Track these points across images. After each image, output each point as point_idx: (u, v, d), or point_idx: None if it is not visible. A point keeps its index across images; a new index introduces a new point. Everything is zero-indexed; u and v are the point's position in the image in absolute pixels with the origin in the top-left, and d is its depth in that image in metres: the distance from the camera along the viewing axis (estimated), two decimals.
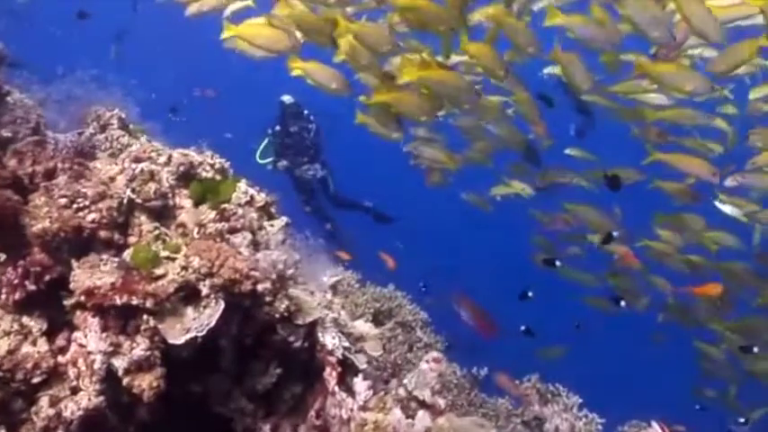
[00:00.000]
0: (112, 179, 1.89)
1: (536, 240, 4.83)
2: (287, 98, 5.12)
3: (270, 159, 5.31)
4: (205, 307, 1.53)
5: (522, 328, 4.05)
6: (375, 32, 3.22)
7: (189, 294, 1.55)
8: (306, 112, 5.24)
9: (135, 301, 1.45)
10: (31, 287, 1.58)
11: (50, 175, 2.02)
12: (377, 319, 2.89)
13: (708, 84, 3.00)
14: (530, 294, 2.96)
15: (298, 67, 3.39)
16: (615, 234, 4.09)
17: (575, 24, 3.08)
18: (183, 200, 1.92)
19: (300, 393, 1.94)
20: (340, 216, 6.09)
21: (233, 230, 1.75)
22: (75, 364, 1.49)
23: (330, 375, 1.78)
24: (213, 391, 1.78)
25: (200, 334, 1.49)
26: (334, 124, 5.19)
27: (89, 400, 1.42)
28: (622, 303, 4.19)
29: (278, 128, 5.25)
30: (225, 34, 3.41)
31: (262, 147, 5.31)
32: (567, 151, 4.29)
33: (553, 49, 3.36)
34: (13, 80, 2.59)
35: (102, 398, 1.43)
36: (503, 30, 3.23)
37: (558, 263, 4.26)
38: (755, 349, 3.99)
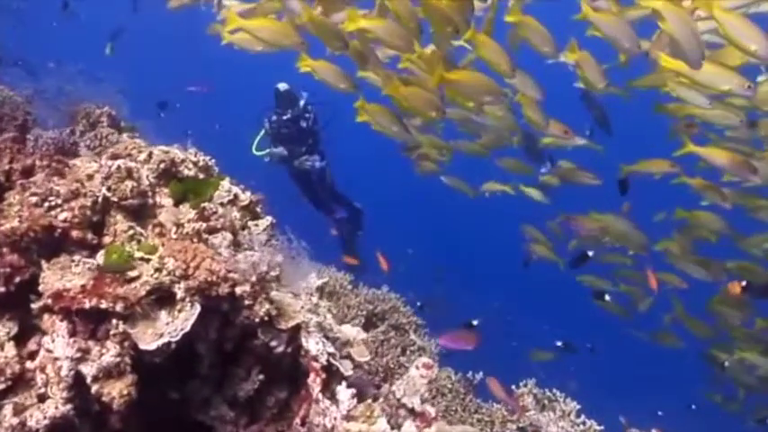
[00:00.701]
0: (90, 177, 1.83)
1: (528, 231, 4.75)
2: (282, 85, 4.94)
3: (266, 151, 5.12)
4: (180, 311, 1.46)
5: (559, 343, 3.92)
6: (388, 28, 3.19)
7: (163, 297, 1.48)
8: (303, 101, 5.04)
9: (104, 305, 1.38)
10: (1, 289, 1.51)
11: (28, 172, 1.96)
12: (370, 322, 2.81)
13: (744, 82, 2.86)
14: (474, 323, 2.86)
15: (307, 65, 3.39)
16: (590, 254, 3.99)
17: (604, 23, 3.00)
18: (164, 199, 1.85)
19: (285, 400, 1.87)
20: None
21: (212, 230, 1.68)
22: (43, 370, 1.42)
23: (314, 382, 1.71)
24: (192, 398, 1.71)
25: (173, 339, 1.42)
26: (334, 114, 5.01)
27: (56, 408, 1.35)
28: (606, 297, 4.10)
29: (274, 117, 5.06)
30: (228, 26, 3.36)
31: (258, 138, 5.12)
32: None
33: (569, 46, 3.30)
34: (3, 77, 2.53)
35: (69, 406, 1.36)
36: (518, 29, 3.16)
37: (534, 253, 4.17)
38: (726, 363, 3.91)
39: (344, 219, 5.70)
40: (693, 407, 4.66)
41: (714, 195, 3.78)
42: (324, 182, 5.45)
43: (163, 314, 1.45)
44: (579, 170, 4.34)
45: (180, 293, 1.47)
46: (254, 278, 1.57)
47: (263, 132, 5.08)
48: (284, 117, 4.95)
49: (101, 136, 2.32)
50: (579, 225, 4.20)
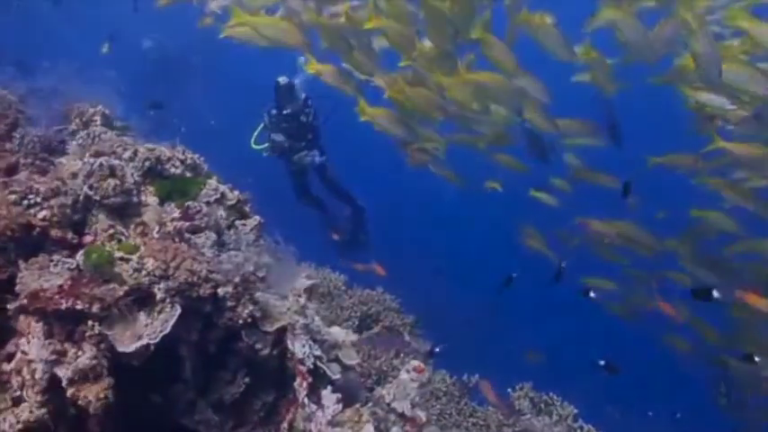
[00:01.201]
0: (74, 175, 1.79)
1: (524, 230, 4.70)
2: (282, 79, 4.84)
3: (265, 145, 5.02)
4: (159, 312, 1.42)
5: (601, 362, 3.84)
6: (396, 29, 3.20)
7: (142, 298, 1.44)
8: (303, 95, 4.93)
9: (80, 306, 1.34)
10: None
11: (12, 170, 1.93)
12: (364, 323, 2.77)
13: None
14: (437, 350, 2.82)
15: (314, 68, 3.42)
16: (563, 265, 3.95)
17: (625, 25, 2.97)
18: (149, 197, 1.82)
19: (272, 403, 1.82)
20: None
21: (196, 230, 1.64)
22: (19, 372, 1.38)
23: (300, 386, 1.66)
24: (175, 401, 1.67)
25: (152, 341, 1.38)
26: (334, 108, 4.92)
27: (30, 412, 1.31)
28: (592, 294, 4.04)
29: (274, 111, 4.95)
30: (232, 22, 3.35)
31: (256, 132, 5.01)
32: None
33: (583, 47, 3.26)
34: None
35: (44, 410, 1.32)
36: (530, 32, 3.13)
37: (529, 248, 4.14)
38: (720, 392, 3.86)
39: (348, 217, 5.61)
40: (678, 415, 4.55)
41: (737, 197, 3.67)
42: (324, 177, 5.34)
43: (142, 316, 1.41)
44: (596, 172, 4.29)
45: (160, 294, 1.43)
46: (237, 279, 1.53)
47: (261, 126, 4.98)
48: (284, 112, 4.85)
49: (93, 135, 2.29)
50: (593, 228, 4.15)
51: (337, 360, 1.82)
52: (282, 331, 1.67)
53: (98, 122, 2.42)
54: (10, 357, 1.48)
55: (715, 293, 3.27)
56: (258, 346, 1.63)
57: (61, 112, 2.48)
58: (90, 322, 1.35)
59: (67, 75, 2.98)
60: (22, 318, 1.40)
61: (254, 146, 4.98)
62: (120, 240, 1.54)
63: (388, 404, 1.81)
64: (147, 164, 1.83)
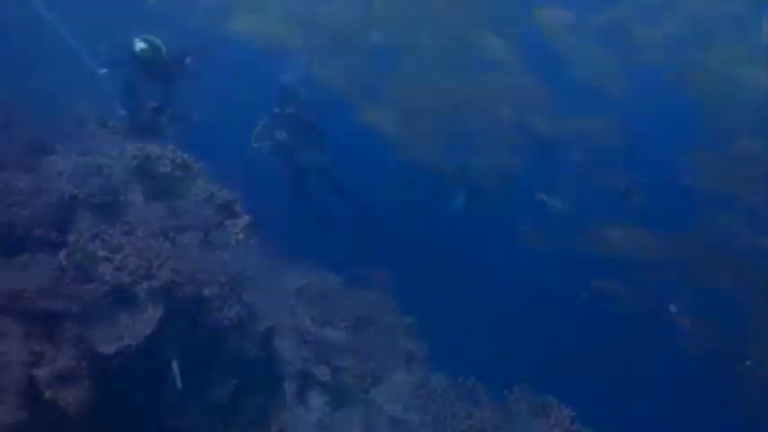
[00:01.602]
0: (60, 173, 1.77)
1: (524, 230, 4.66)
2: (286, 78, 4.82)
3: (266, 143, 4.99)
4: (142, 312, 1.39)
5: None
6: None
7: (125, 298, 1.41)
8: (306, 94, 4.92)
9: (60, 306, 1.31)
10: None
11: (0, 169, 1.91)
12: (359, 324, 2.73)
13: None
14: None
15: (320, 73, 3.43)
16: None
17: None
18: (136, 196, 1.79)
19: (262, 405, 1.80)
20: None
21: (183, 229, 1.61)
22: None
23: (289, 388, 1.63)
24: (162, 402, 1.64)
25: (134, 342, 1.35)
26: (335, 107, 4.89)
27: (8, 414, 1.28)
28: (584, 294, 4.01)
29: (276, 110, 4.94)
30: (236, 22, 3.34)
31: (257, 130, 5.00)
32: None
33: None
34: None
35: (22, 412, 1.29)
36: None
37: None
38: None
39: (354, 217, 5.57)
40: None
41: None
42: (325, 176, 5.31)
43: (123, 316, 1.38)
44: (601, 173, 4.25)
45: (142, 294, 1.40)
46: (223, 278, 1.50)
47: (262, 124, 4.96)
48: (287, 111, 4.84)
49: (85, 134, 2.28)
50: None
51: (328, 362, 1.79)
52: (270, 332, 1.64)
53: (93, 122, 2.41)
54: None
55: (671, 308, 3.32)
56: (246, 347, 1.60)
57: (56, 111, 2.47)
58: (70, 323, 1.32)
59: (64, 74, 2.96)
60: (0, 318, 1.37)
61: (255, 144, 4.95)
62: (103, 239, 1.51)
63: (380, 407, 1.77)
64: (135, 162, 1.81)
